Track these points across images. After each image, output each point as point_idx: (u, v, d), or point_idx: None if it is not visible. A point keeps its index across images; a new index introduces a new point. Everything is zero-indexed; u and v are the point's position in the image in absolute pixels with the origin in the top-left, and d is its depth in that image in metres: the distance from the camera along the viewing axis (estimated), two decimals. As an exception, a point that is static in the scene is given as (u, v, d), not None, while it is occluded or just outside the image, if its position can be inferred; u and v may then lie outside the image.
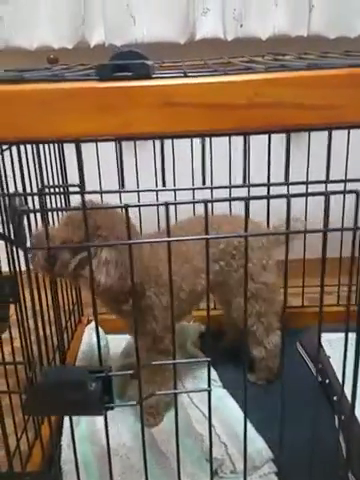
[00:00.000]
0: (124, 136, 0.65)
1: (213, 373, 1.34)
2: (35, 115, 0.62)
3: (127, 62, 0.63)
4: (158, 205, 0.66)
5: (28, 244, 0.73)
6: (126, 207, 0.66)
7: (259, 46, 1.48)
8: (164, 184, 0.67)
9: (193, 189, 0.65)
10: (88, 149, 1.28)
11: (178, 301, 1.14)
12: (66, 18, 1.47)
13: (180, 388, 1.25)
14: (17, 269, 0.76)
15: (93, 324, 1.52)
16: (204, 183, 0.65)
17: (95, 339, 1.46)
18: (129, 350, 1.40)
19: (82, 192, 0.66)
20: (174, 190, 0.64)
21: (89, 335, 1.48)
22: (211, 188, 0.74)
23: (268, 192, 0.89)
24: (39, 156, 0.65)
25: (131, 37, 1.45)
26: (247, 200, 0.68)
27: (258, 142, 0.87)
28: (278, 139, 0.99)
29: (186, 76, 0.65)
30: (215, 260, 1.20)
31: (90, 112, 0.63)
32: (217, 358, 1.44)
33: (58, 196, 1.19)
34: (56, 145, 1.23)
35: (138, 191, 0.66)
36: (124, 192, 0.61)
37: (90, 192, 0.65)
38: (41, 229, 0.91)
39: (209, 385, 0.77)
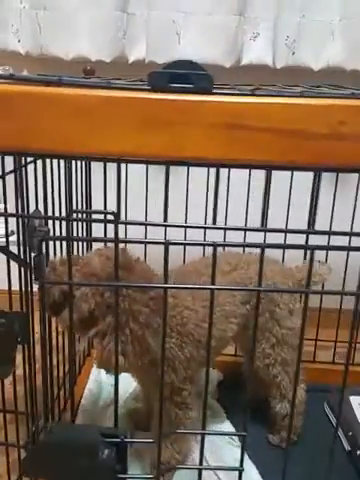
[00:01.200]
0: (174, 159, 0.54)
1: (231, 429, 1.21)
2: (71, 125, 0.51)
3: (187, 72, 0.53)
4: (206, 245, 0.55)
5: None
6: (167, 244, 0.55)
7: (310, 77, 1.38)
8: (214, 221, 0.56)
9: (247, 230, 0.53)
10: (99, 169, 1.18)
11: (205, 349, 1.02)
12: (106, 30, 1.38)
13: (193, 444, 1.13)
14: (30, 302, 0.64)
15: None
16: (264, 224, 0.54)
17: (103, 377, 1.36)
18: (138, 393, 1.27)
19: (117, 222, 0.55)
20: (224, 229, 0.52)
21: (98, 371, 1.36)
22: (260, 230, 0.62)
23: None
24: (71, 174, 0.53)
25: (174, 55, 1.35)
26: (312, 249, 0.56)
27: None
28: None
29: (254, 95, 0.54)
30: (243, 302, 1.09)
31: (137, 128, 0.52)
32: (235, 412, 1.32)
33: (82, 224, 1.07)
34: (83, 163, 1.12)
35: (185, 226, 0.54)
36: (169, 226, 0.50)
37: (130, 223, 0.53)
38: (58, 261, 0.80)
39: (241, 464, 0.64)
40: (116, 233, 0.56)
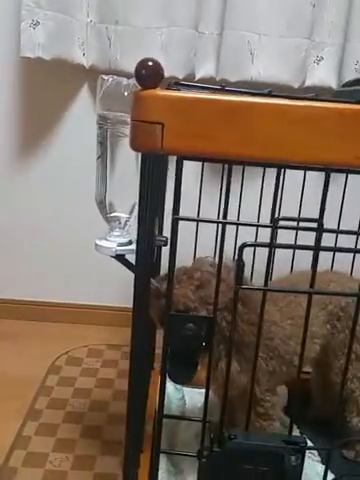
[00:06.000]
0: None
1: (310, 444, 1.22)
2: (301, 136, 0.53)
3: None
4: None
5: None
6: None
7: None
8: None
9: None
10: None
11: (288, 367, 1.03)
12: (179, 47, 1.40)
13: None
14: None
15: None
16: None
17: (170, 390, 1.35)
18: (211, 407, 1.26)
19: (320, 230, 0.57)
20: None
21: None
22: None
23: None
24: (278, 184, 0.55)
25: (247, 74, 1.38)
26: None
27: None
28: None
29: None
30: (325, 322, 1.11)
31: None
32: (306, 426, 1.32)
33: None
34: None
35: None
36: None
37: (338, 231, 0.55)
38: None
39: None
40: (319, 241, 0.57)
